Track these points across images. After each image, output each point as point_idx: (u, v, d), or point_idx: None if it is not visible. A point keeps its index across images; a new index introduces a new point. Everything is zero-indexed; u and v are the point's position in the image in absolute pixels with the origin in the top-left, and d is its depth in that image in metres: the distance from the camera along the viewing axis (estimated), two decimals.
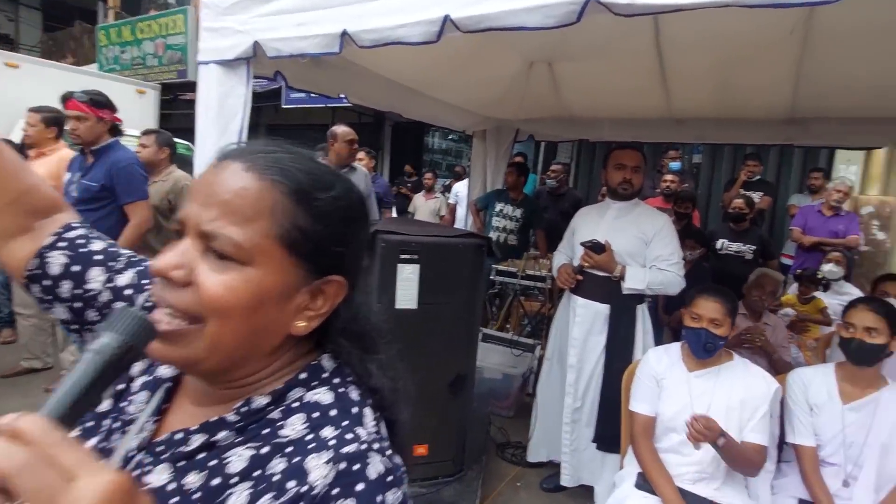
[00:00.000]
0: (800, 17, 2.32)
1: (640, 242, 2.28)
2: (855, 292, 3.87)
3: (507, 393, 3.31)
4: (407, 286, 1.90)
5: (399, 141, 9.60)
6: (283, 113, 8.35)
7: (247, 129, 1.90)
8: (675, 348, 1.88)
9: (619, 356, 2.29)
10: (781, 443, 1.84)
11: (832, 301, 3.82)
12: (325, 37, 1.65)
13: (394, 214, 5.99)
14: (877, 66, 2.63)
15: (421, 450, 2.10)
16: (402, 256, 1.90)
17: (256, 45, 1.76)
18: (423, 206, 6.33)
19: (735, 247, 4.00)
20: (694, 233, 3.85)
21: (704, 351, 1.72)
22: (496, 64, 3.04)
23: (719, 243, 4.06)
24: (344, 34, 1.61)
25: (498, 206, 4.23)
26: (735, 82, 3.07)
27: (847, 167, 5.42)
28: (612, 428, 2.19)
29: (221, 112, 1.85)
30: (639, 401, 1.84)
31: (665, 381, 1.80)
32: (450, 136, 10.27)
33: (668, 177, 4.72)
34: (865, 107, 3.18)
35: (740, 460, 1.64)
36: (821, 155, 5.65)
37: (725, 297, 1.75)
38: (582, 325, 2.37)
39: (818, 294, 3.75)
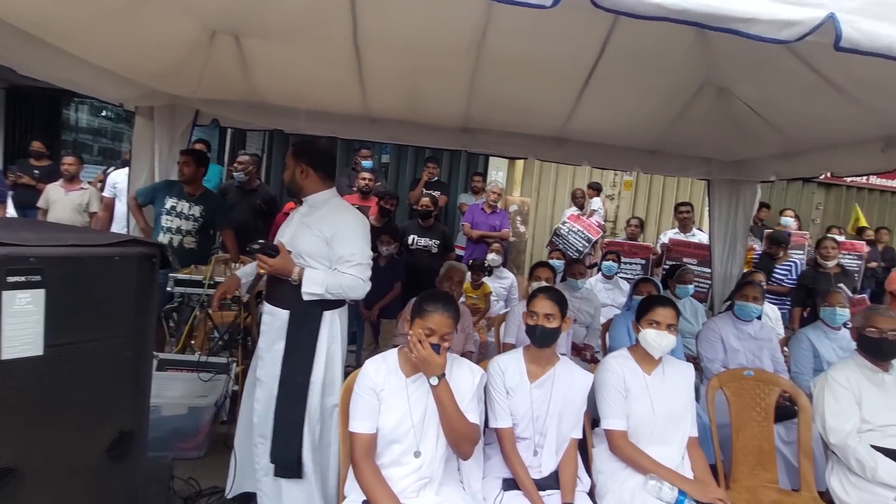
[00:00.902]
0: (473, 40, 2.57)
1: (321, 242, 2.06)
2: (510, 276, 4.72)
3: (195, 429, 2.73)
4: (19, 325, 1.23)
5: (19, 110, 7.13)
6: None
7: None
8: (392, 356, 1.79)
9: (297, 369, 2.03)
10: (485, 428, 1.98)
11: (495, 285, 4.55)
12: None
13: (10, 212, 4.37)
14: (521, 92, 3.18)
15: None
16: (11, 279, 1.22)
17: None
18: (63, 201, 4.82)
19: (423, 241, 4.35)
20: (392, 229, 4.00)
21: None
22: (166, 26, 2.43)
23: (410, 239, 4.35)
24: None
25: (169, 203, 3.47)
26: (422, 89, 3.26)
27: (497, 172, 6.65)
28: (290, 451, 1.98)
29: None
30: (359, 419, 1.67)
31: (385, 392, 1.69)
32: (104, 112, 8.23)
33: (365, 175, 4.81)
34: (515, 123, 3.85)
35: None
36: (479, 161, 6.77)
37: (455, 308, 1.74)
38: (267, 334, 2.11)
39: (485, 280, 4.41)
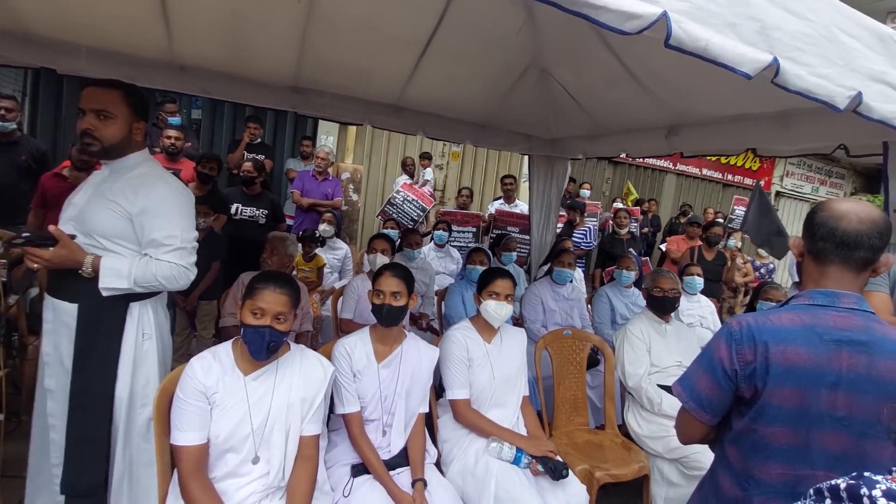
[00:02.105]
0: None
1: (122, 220, 1.61)
2: (344, 246, 4.57)
3: None
4: None
5: None
6: None
7: None
8: (225, 351, 1.56)
9: (94, 377, 1.61)
10: (330, 414, 1.87)
11: (328, 256, 4.38)
12: None
13: None
14: (358, 54, 3.01)
15: None
16: None
17: None
18: None
19: (249, 211, 3.94)
20: (215, 198, 3.50)
21: (267, 351, 1.49)
22: None
23: (234, 208, 3.90)
24: None
25: None
26: (245, 39, 2.87)
27: (327, 137, 6.31)
28: (87, 477, 1.57)
29: None
30: (183, 430, 1.43)
31: (218, 395, 1.47)
32: None
33: (171, 133, 4.12)
34: (350, 87, 3.65)
35: None
36: (308, 124, 6.34)
37: (290, 286, 1.55)
38: (52, 334, 1.63)
39: (318, 251, 4.20)
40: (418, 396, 1.91)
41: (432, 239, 4.95)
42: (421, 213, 5.70)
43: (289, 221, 5.11)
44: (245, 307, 1.48)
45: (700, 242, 5.50)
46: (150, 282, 1.62)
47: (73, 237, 1.56)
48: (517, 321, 3.68)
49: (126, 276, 1.58)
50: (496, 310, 2.11)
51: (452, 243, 5.01)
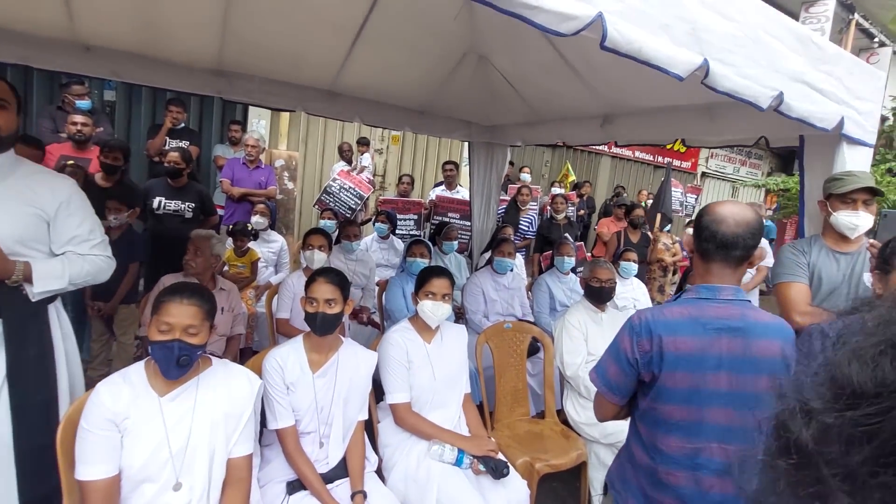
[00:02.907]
0: None
1: (40, 222, 1.55)
2: (279, 238, 4.38)
3: None
4: None
5: None
6: None
7: None
8: (137, 372, 1.42)
9: (36, 385, 1.56)
10: (261, 429, 1.78)
11: (262, 249, 4.18)
12: None
13: None
14: (288, 37, 2.83)
15: None
16: None
17: None
18: None
19: (173, 205, 3.66)
20: (124, 191, 3.21)
21: (178, 367, 1.37)
22: None
23: (156, 202, 3.61)
24: None
25: None
26: (158, 19, 2.62)
27: (259, 121, 5.98)
28: (47, 481, 1.49)
29: None
30: (90, 463, 1.29)
31: (130, 421, 1.34)
32: None
33: (78, 118, 3.73)
34: (281, 71, 3.44)
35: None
36: (237, 107, 5.97)
37: (200, 297, 1.43)
38: None
39: (251, 245, 4.00)
40: (357, 404, 1.85)
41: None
42: (359, 202, 5.54)
43: (220, 211, 4.83)
44: (151, 324, 1.36)
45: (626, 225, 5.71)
46: (82, 278, 1.61)
47: None
48: (459, 311, 3.67)
49: (61, 276, 1.55)
50: (433, 310, 2.06)
51: (395, 232, 4.91)
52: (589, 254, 6.20)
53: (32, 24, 2.70)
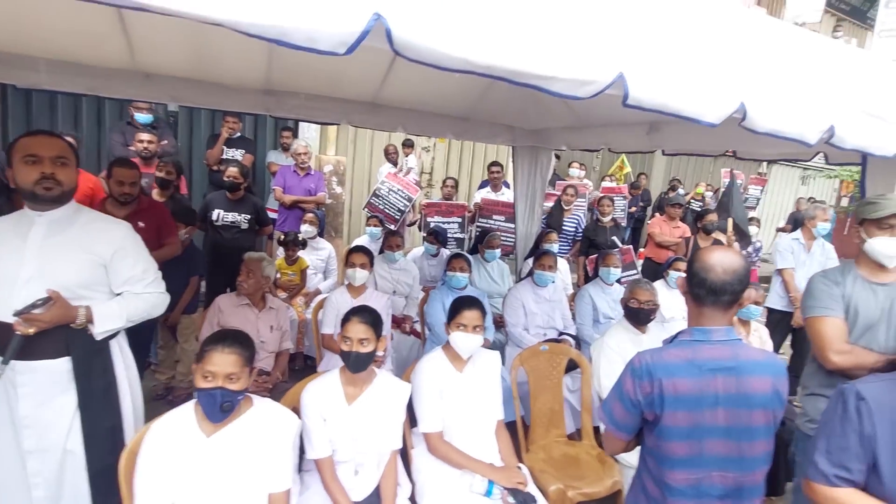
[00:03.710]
0: None
1: (98, 267, 1.70)
2: (327, 246, 4.53)
3: None
4: None
5: None
6: None
7: None
8: (187, 412, 1.56)
9: (103, 414, 1.74)
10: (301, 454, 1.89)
11: (311, 257, 4.34)
12: None
13: None
14: (326, 58, 2.90)
15: None
16: None
17: None
18: None
19: (231, 216, 3.88)
20: (182, 210, 3.43)
21: (222, 412, 1.49)
22: None
23: (215, 214, 3.84)
24: None
25: None
26: (210, 48, 2.77)
27: (309, 128, 6.16)
28: (114, 499, 1.65)
29: None
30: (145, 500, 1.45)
31: (176, 460, 1.47)
32: None
33: (144, 137, 4.01)
34: (325, 87, 3.54)
35: None
36: None
37: (240, 345, 1.54)
38: (30, 397, 1.64)
39: (301, 254, 4.17)
40: (390, 434, 1.93)
41: (420, 227, 4.76)
42: (407, 203, 5.62)
43: (273, 215, 5.05)
44: (196, 372, 1.50)
45: (680, 224, 5.48)
46: (139, 315, 1.77)
47: (48, 300, 1.56)
48: (499, 319, 3.68)
49: (119, 316, 1.72)
50: (464, 342, 2.10)
51: (446, 245, 4.92)
52: (639, 255, 5.99)
53: (98, 57, 2.93)
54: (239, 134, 5.22)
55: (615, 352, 2.65)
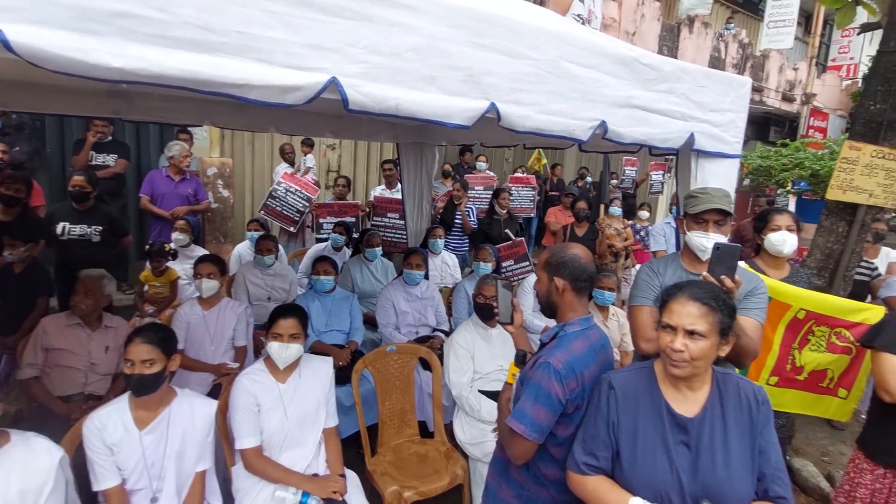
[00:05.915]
0: None
1: None
2: (200, 251, 4.32)
3: None
4: None
5: None
6: None
7: None
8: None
9: None
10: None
11: (185, 266, 4.12)
12: None
13: None
14: None
15: None
16: None
17: None
18: None
19: (79, 229, 3.60)
20: (25, 225, 3.14)
21: None
22: None
23: (59, 227, 3.55)
24: None
25: None
26: None
27: (200, 130, 5.87)
28: None
29: None
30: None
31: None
32: None
33: None
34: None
35: None
36: None
37: None
38: None
39: (170, 264, 3.95)
40: (193, 456, 1.85)
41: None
42: (306, 204, 5.48)
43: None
44: None
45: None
46: None
47: None
48: (372, 321, 3.61)
49: None
50: (279, 352, 2.05)
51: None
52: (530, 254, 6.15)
53: None
54: (111, 138, 4.88)
55: (463, 348, 2.68)
